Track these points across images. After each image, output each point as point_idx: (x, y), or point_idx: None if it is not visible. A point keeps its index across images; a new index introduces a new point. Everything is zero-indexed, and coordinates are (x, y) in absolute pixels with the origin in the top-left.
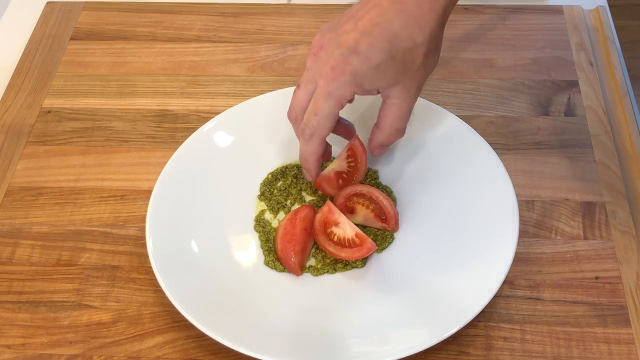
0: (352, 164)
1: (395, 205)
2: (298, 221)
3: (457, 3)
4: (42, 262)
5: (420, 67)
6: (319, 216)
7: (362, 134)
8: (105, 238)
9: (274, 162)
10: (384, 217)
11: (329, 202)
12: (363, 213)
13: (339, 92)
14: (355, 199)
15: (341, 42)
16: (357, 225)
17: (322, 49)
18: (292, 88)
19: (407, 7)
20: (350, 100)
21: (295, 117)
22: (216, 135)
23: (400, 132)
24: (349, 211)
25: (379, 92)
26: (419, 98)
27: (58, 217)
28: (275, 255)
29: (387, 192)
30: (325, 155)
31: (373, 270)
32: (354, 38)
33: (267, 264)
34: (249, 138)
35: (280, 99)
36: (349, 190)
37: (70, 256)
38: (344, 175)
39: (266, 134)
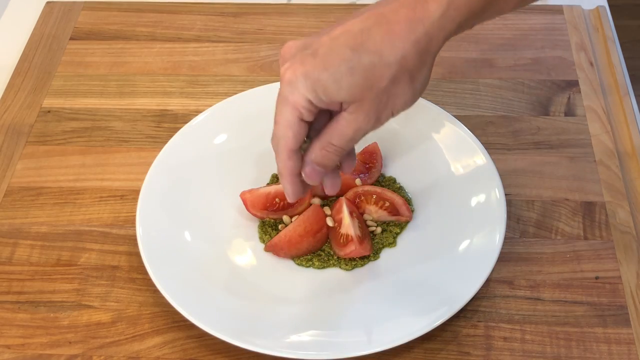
0: (367, 166)
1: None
2: (301, 223)
3: None
4: (41, 262)
5: (384, 91)
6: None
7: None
8: (105, 238)
9: (265, 155)
10: (395, 211)
11: (342, 198)
12: (374, 210)
13: (293, 97)
14: (363, 197)
15: (306, 44)
16: (371, 220)
17: (288, 52)
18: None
19: (388, 21)
20: (313, 113)
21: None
22: (205, 128)
23: (336, 149)
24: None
25: (342, 109)
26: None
27: (58, 217)
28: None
29: (395, 187)
30: (346, 167)
31: (368, 264)
32: (319, 42)
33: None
34: (238, 131)
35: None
36: (359, 189)
37: (69, 256)
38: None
39: (255, 127)
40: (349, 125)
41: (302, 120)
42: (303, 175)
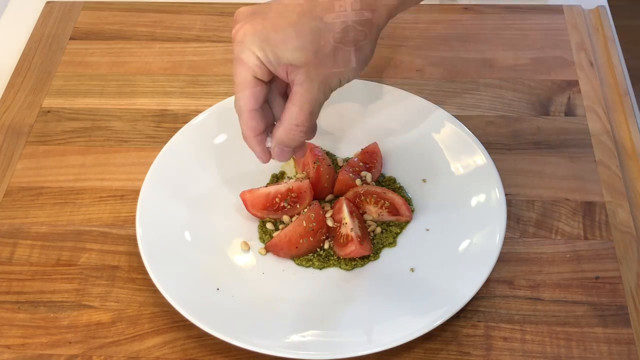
0: (368, 166)
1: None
2: (301, 223)
3: (457, 2)
4: (41, 262)
5: (329, 56)
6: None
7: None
8: (105, 238)
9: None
10: (395, 210)
11: (342, 198)
12: (374, 210)
13: (244, 55)
14: (363, 197)
15: (257, 9)
16: (371, 220)
17: (240, 15)
18: None
19: None
20: (267, 72)
21: None
22: (205, 128)
23: (301, 129)
24: (358, 209)
25: (290, 80)
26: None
27: (57, 217)
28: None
29: (395, 187)
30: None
31: (368, 264)
32: (269, 7)
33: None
34: (238, 131)
35: None
36: (360, 189)
37: (69, 256)
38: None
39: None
40: (303, 98)
41: (257, 78)
42: (273, 155)
